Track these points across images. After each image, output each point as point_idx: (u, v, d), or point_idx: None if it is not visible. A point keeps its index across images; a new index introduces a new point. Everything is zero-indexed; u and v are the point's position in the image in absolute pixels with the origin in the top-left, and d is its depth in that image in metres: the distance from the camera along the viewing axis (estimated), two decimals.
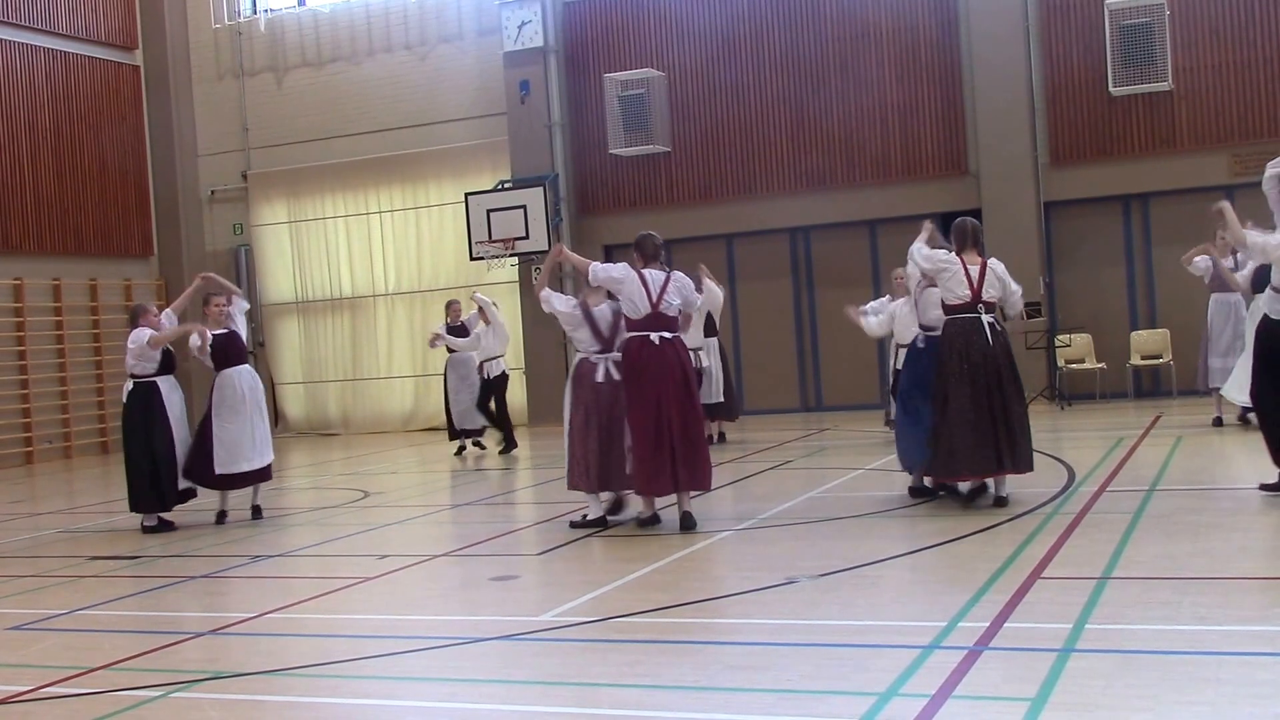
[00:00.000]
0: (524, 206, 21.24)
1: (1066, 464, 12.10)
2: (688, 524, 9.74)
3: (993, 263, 9.94)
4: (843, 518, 9.88)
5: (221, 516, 12.00)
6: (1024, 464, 9.79)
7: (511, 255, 21.51)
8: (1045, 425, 16.53)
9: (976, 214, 19.51)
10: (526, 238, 21.14)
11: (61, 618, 8.08)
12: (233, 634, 7.35)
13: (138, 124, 24.52)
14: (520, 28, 21.85)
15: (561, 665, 6.30)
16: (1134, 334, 19.27)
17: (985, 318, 9.78)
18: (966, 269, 9.84)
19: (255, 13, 24.78)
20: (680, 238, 21.65)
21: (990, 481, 9.85)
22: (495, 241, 21.29)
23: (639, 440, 9.72)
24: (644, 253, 10.10)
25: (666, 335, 9.85)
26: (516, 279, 21.97)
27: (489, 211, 21.44)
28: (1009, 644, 5.97)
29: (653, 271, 10.02)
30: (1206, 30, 18.81)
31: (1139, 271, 19.54)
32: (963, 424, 9.52)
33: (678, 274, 10.21)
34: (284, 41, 24.45)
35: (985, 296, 9.82)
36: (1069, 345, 19.11)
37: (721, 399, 16.33)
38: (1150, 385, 19.31)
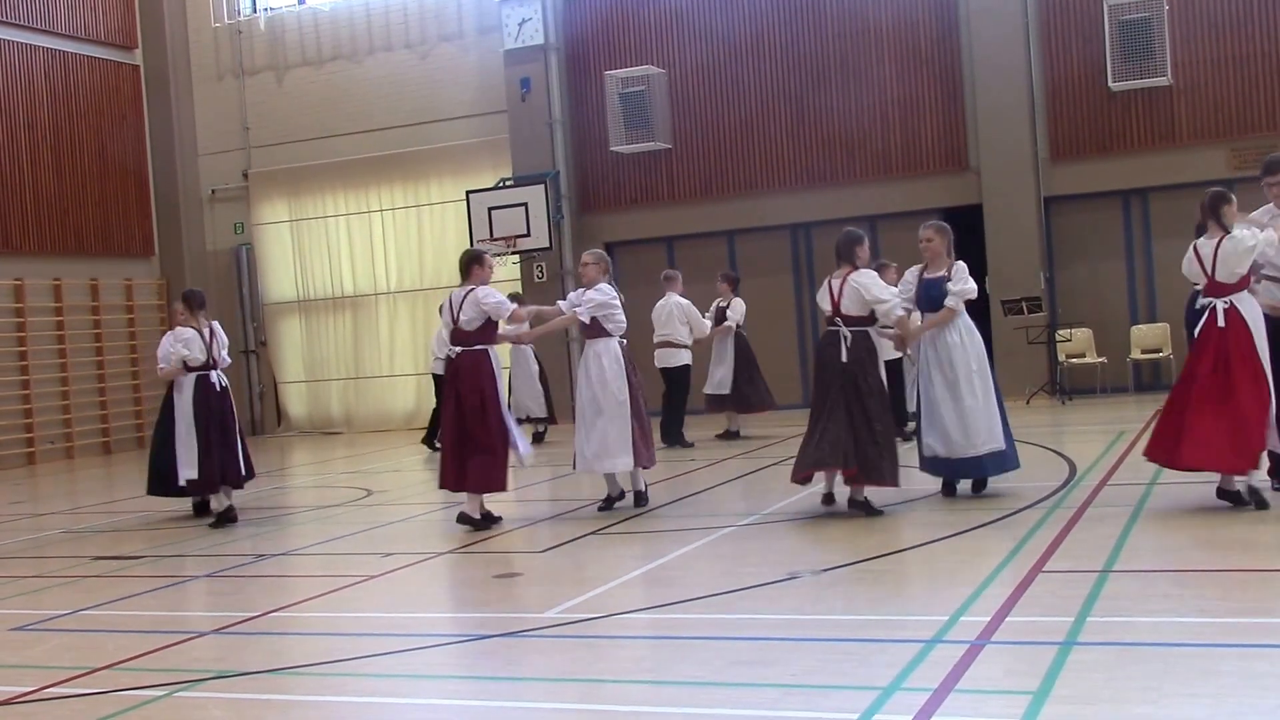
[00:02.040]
0: (525, 204, 21.24)
1: (1068, 458, 12.12)
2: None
3: (854, 276, 9.86)
4: (845, 513, 9.89)
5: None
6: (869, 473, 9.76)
7: (513, 253, 21.52)
8: (1046, 420, 16.56)
9: (977, 209, 19.66)
10: (528, 235, 21.14)
11: (64, 618, 8.09)
12: (236, 633, 7.37)
13: (138, 123, 24.51)
14: (520, 25, 21.85)
15: (566, 662, 6.31)
16: (1134, 328, 19.28)
17: (843, 330, 9.78)
18: (830, 283, 9.98)
19: (255, 11, 24.78)
20: (682, 234, 21.73)
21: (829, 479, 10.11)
22: (497, 239, 21.28)
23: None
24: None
25: None
26: (518, 277, 21.97)
27: (490, 209, 21.44)
28: (1011, 638, 5.99)
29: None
30: (1205, 25, 18.82)
31: (1139, 266, 19.55)
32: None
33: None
34: (284, 40, 24.45)
35: (844, 310, 9.82)
36: (1069, 340, 19.12)
37: (727, 391, 16.57)
38: (1150, 379, 19.32)
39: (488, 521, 10.57)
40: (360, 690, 6.13)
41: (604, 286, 10.82)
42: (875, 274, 10.08)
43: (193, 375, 11.99)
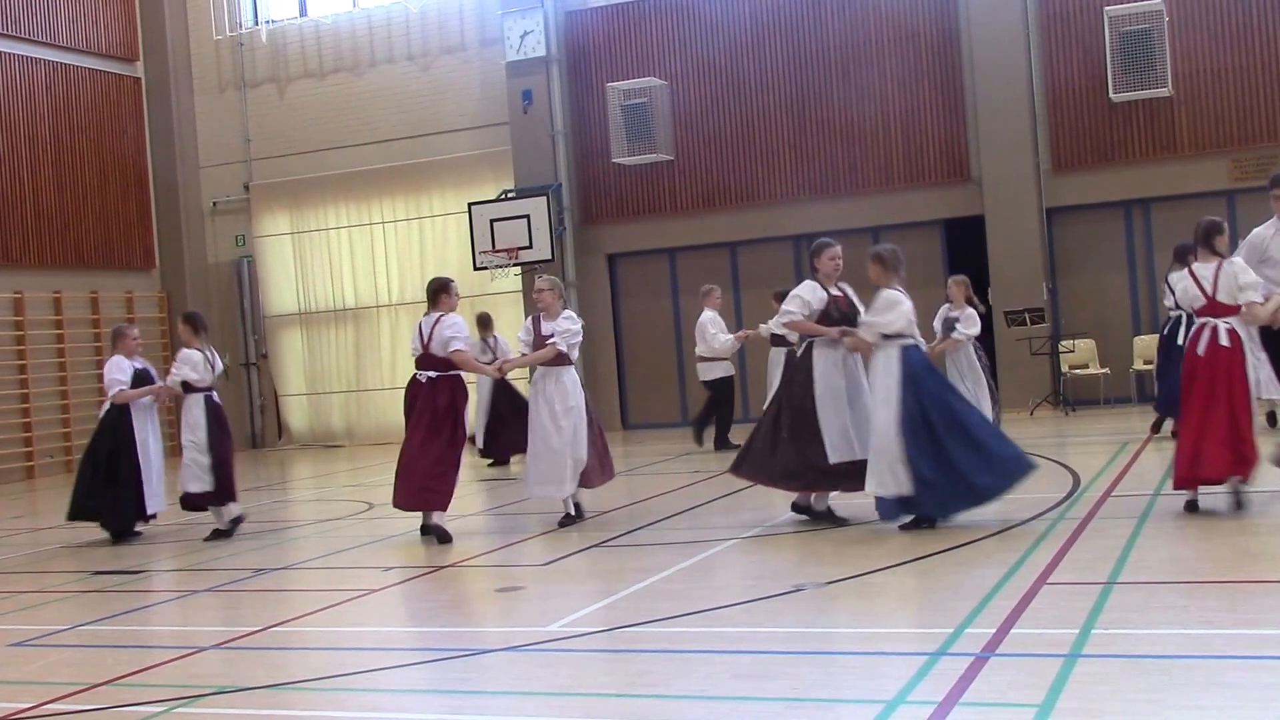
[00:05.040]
0: (527, 216, 21.25)
1: (1071, 469, 12.09)
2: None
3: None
4: (849, 524, 9.86)
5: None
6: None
7: (515, 265, 21.51)
8: (1050, 430, 16.54)
9: (979, 220, 19.66)
10: (530, 247, 21.14)
11: (64, 633, 8.06)
12: (238, 648, 7.33)
13: (139, 136, 24.52)
14: (522, 37, 21.87)
15: (569, 676, 6.29)
16: (1137, 339, 19.25)
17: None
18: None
19: (257, 24, 24.79)
20: (684, 246, 21.73)
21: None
22: (499, 251, 21.28)
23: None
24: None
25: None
26: (520, 289, 21.96)
27: (492, 221, 21.43)
28: (1015, 650, 5.95)
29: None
30: (1205, 36, 18.82)
31: (1141, 276, 19.54)
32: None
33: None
34: (286, 52, 24.47)
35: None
36: (1072, 351, 19.10)
37: None
38: (1154, 390, 19.24)
39: (444, 536, 10.67)
40: (362, 705, 6.09)
41: (571, 314, 11.13)
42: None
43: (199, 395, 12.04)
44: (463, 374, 10.84)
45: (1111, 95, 18.83)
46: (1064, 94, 19.54)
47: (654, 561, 9.11)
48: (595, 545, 9.91)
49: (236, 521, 12.03)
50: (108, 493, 12.14)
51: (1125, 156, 19.27)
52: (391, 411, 23.77)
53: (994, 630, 6.26)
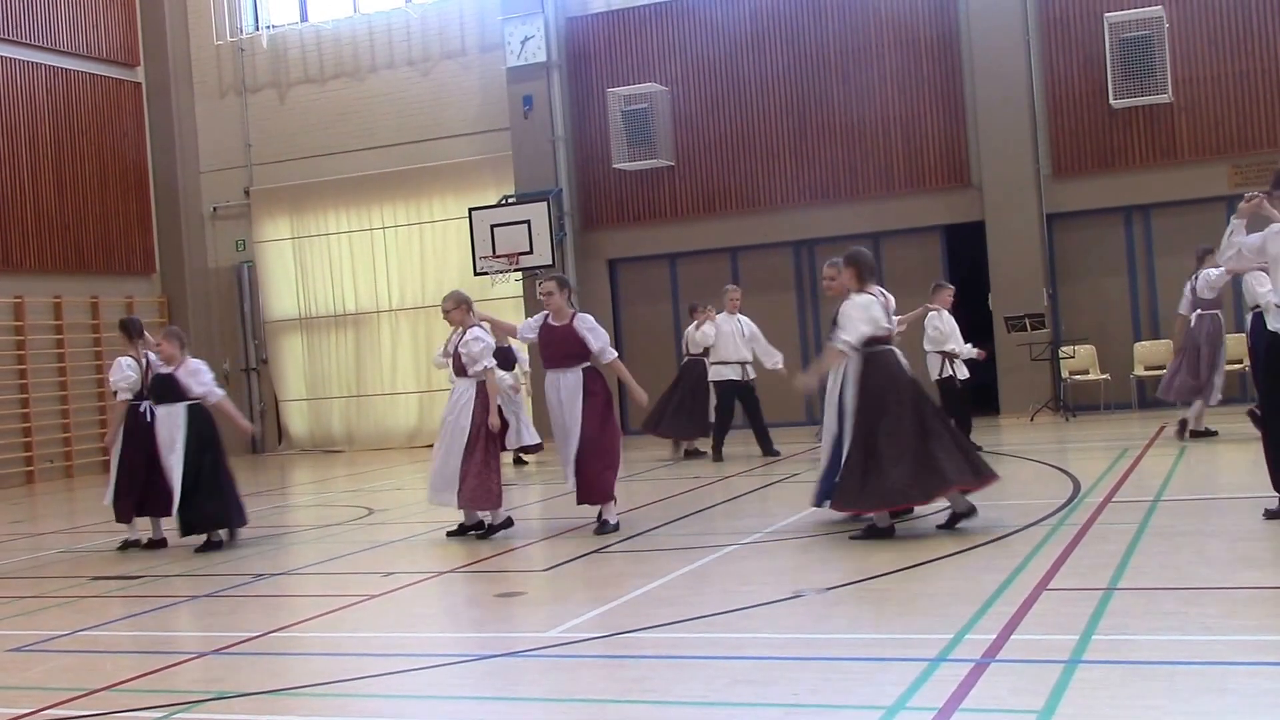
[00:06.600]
0: (528, 221, 21.24)
1: (1072, 475, 12.08)
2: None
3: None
4: (849, 530, 9.85)
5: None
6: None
7: (515, 270, 21.51)
8: (1050, 437, 16.53)
9: (980, 226, 19.66)
10: (530, 252, 21.13)
11: (63, 639, 8.05)
12: (236, 654, 7.32)
13: (139, 140, 24.53)
14: (523, 43, 21.88)
15: (568, 682, 6.28)
16: (1137, 345, 19.26)
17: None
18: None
19: (258, 29, 24.81)
20: (684, 251, 21.72)
21: None
22: (499, 256, 21.28)
23: None
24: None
25: None
26: (521, 294, 21.94)
27: (493, 226, 21.43)
28: (1016, 656, 5.95)
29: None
30: (1205, 42, 18.84)
31: (1141, 282, 19.55)
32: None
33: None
34: (286, 57, 24.48)
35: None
36: (1073, 357, 19.10)
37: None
38: (1154, 396, 19.25)
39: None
40: (362, 711, 6.09)
41: (473, 331, 10.97)
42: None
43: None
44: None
45: (1112, 101, 18.84)
46: (1064, 99, 19.55)
47: (654, 567, 9.11)
48: (595, 551, 9.90)
49: (126, 544, 11.83)
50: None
51: (1125, 162, 19.28)
52: (391, 417, 23.83)
53: (994, 636, 6.26)
